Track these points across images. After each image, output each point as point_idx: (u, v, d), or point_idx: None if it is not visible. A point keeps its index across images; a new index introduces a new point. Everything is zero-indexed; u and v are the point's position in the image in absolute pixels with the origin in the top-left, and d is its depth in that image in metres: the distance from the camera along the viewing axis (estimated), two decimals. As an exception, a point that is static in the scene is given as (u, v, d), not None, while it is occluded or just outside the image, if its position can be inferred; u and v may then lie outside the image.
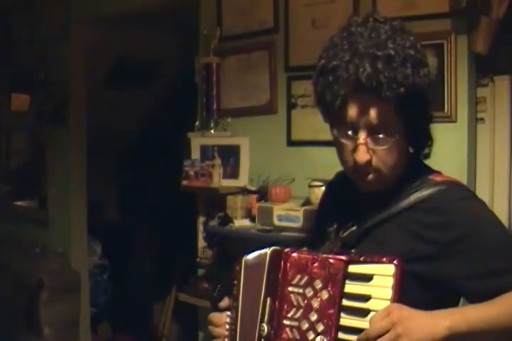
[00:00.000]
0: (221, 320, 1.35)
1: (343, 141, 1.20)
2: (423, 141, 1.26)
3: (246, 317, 1.28)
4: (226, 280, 1.38)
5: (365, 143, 1.17)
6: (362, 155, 1.17)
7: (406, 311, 1.07)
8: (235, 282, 1.32)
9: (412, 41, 1.17)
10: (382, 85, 1.12)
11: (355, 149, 1.18)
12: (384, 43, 1.14)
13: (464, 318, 1.09)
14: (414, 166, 1.26)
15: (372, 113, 1.15)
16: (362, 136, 1.17)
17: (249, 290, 1.28)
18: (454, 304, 1.22)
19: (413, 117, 1.17)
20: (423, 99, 1.18)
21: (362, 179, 1.22)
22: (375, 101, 1.14)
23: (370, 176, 1.21)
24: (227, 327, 1.33)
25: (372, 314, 1.08)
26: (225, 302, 1.37)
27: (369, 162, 1.18)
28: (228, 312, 1.34)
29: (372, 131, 1.17)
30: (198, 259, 3.01)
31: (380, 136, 1.16)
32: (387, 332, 1.05)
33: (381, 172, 1.20)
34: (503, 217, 2.18)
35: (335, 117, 1.21)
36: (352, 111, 1.17)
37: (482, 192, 2.21)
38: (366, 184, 1.22)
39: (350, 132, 1.18)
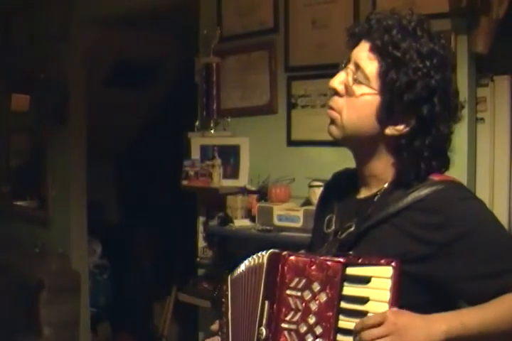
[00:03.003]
0: None
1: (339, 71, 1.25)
2: (423, 139, 1.22)
3: (237, 322, 1.29)
4: (216, 302, 1.41)
5: (346, 73, 1.21)
6: (335, 79, 1.23)
7: (402, 318, 1.06)
8: (223, 300, 1.34)
9: (442, 44, 1.20)
10: (388, 44, 1.15)
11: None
12: (415, 21, 1.19)
13: (460, 322, 1.08)
14: (412, 165, 1.24)
15: (365, 54, 1.19)
16: (348, 66, 1.22)
17: (238, 299, 1.29)
18: (452, 305, 1.21)
19: (402, 96, 1.16)
20: (427, 91, 1.15)
21: (329, 114, 1.25)
22: (374, 50, 1.18)
23: (333, 113, 1.23)
24: None
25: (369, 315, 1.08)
26: (215, 325, 1.39)
27: (338, 93, 1.22)
28: (219, 332, 1.36)
29: (357, 70, 1.20)
30: (198, 259, 3.02)
31: (361, 78, 1.19)
32: (379, 338, 1.05)
33: (341, 113, 1.22)
34: (503, 217, 2.18)
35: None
36: (356, 48, 1.22)
37: (482, 192, 2.21)
38: (328, 128, 1.26)
39: (343, 64, 1.24)
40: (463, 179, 2.09)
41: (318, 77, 2.51)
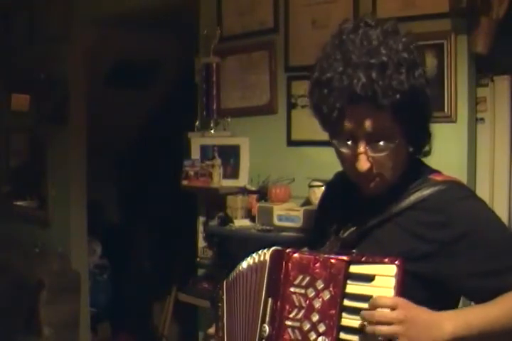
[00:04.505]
0: None
1: (344, 150, 1.21)
2: (422, 138, 1.26)
3: (237, 319, 1.29)
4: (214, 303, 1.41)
5: (365, 152, 1.18)
6: (363, 164, 1.18)
7: (413, 311, 1.06)
8: (219, 305, 1.35)
9: (404, 43, 1.17)
10: (377, 94, 1.12)
11: (355, 158, 1.19)
12: (376, 50, 1.14)
13: (465, 322, 1.09)
14: (414, 166, 1.26)
15: (370, 122, 1.15)
16: (361, 146, 1.17)
17: (239, 302, 1.29)
18: (455, 303, 1.22)
19: (411, 118, 1.17)
20: (420, 98, 1.17)
21: (365, 185, 1.23)
22: (371, 111, 1.14)
23: (373, 182, 1.22)
24: None
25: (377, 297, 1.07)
26: (212, 329, 1.40)
27: (370, 169, 1.19)
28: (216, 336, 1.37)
29: (372, 139, 1.17)
30: (198, 259, 3.02)
31: (380, 143, 1.17)
32: (388, 323, 1.04)
33: (383, 176, 1.21)
34: (503, 216, 2.17)
35: (333, 128, 1.22)
36: (349, 123, 1.17)
37: (482, 192, 2.21)
38: (370, 189, 1.24)
39: (349, 142, 1.19)
40: (463, 179, 2.09)
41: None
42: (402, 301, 1.06)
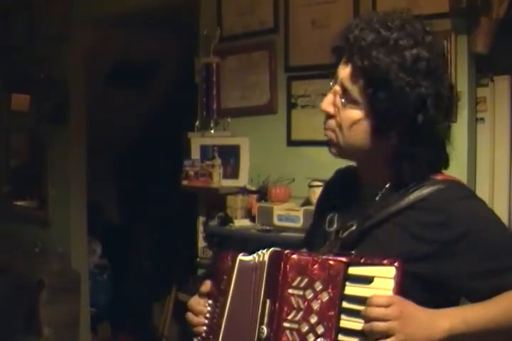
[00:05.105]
0: (202, 308, 1.32)
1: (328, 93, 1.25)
2: (407, 140, 1.20)
3: (236, 316, 1.26)
4: (214, 271, 1.34)
5: (334, 93, 1.22)
6: (325, 102, 1.23)
7: (409, 308, 1.07)
8: (225, 277, 1.29)
9: (429, 43, 1.19)
10: (359, 53, 1.15)
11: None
12: (396, 27, 1.17)
13: (462, 319, 1.09)
14: (412, 167, 1.24)
15: (348, 76, 1.19)
16: (335, 87, 1.22)
17: (241, 289, 1.27)
18: (454, 304, 1.22)
19: (382, 104, 1.15)
20: (404, 95, 1.14)
21: (325, 134, 1.26)
22: (357, 72, 1.17)
23: (328, 133, 1.24)
24: (208, 316, 1.31)
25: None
26: (206, 286, 1.33)
27: (329, 112, 1.22)
28: (209, 301, 1.31)
29: (343, 93, 1.20)
30: (198, 259, 3.02)
31: (349, 100, 1.19)
32: (384, 320, 1.04)
33: (336, 134, 1.22)
34: (503, 216, 2.17)
35: (334, 70, 1.26)
36: (340, 67, 1.22)
37: (482, 192, 2.21)
38: (328, 143, 1.26)
39: (331, 83, 1.24)
40: (463, 178, 2.08)
41: (318, 77, 2.50)
42: (397, 299, 1.06)
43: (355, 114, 1.19)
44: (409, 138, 1.18)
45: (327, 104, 1.23)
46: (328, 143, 1.26)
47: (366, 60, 1.14)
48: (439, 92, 1.17)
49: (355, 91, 1.18)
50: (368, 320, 1.05)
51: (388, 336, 1.04)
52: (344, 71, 1.20)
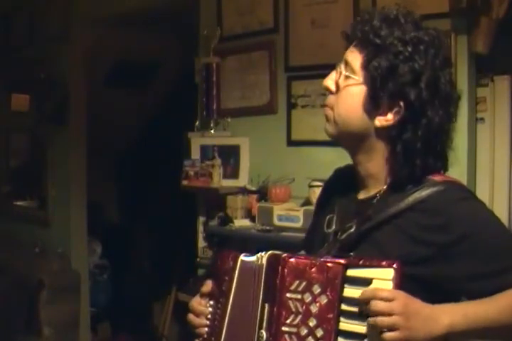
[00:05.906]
0: (203, 309, 1.30)
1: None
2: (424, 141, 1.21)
3: (236, 318, 1.25)
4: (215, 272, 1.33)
5: (337, 71, 1.25)
6: (328, 78, 1.27)
7: (413, 304, 1.07)
8: (226, 278, 1.27)
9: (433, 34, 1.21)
10: (363, 35, 1.20)
11: None
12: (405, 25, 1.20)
13: (463, 316, 1.09)
14: (407, 161, 1.23)
15: (351, 49, 1.23)
16: (339, 67, 1.25)
17: (242, 291, 1.25)
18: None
19: (378, 77, 1.17)
20: (400, 69, 1.16)
21: (324, 112, 1.29)
22: (358, 43, 1.22)
23: (326, 109, 1.27)
24: (209, 317, 1.29)
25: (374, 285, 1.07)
26: (207, 287, 1.31)
27: (330, 88, 1.25)
28: (211, 302, 1.30)
29: (347, 67, 1.24)
30: (198, 259, 3.02)
31: (349, 72, 1.22)
32: (389, 314, 1.04)
33: (333, 111, 1.24)
34: (503, 217, 2.18)
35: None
36: (348, 50, 1.25)
37: (482, 192, 2.21)
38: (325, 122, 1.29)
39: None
40: (463, 179, 2.09)
41: (318, 77, 2.46)
42: (401, 294, 1.06)
43: (354, 89, 1.21)
44: (402, 122, 1.17)
45: (329, 80, 1.26)
46: (325, 120, 1.28)
47: (368, 27, 1.19)
48: (436, 77, 1.17)
49: (354, 61, 1.21)
50: (372, 312, 1.05)
51: (392, 330, 1.04)
52: (351, 51, 1.24)
